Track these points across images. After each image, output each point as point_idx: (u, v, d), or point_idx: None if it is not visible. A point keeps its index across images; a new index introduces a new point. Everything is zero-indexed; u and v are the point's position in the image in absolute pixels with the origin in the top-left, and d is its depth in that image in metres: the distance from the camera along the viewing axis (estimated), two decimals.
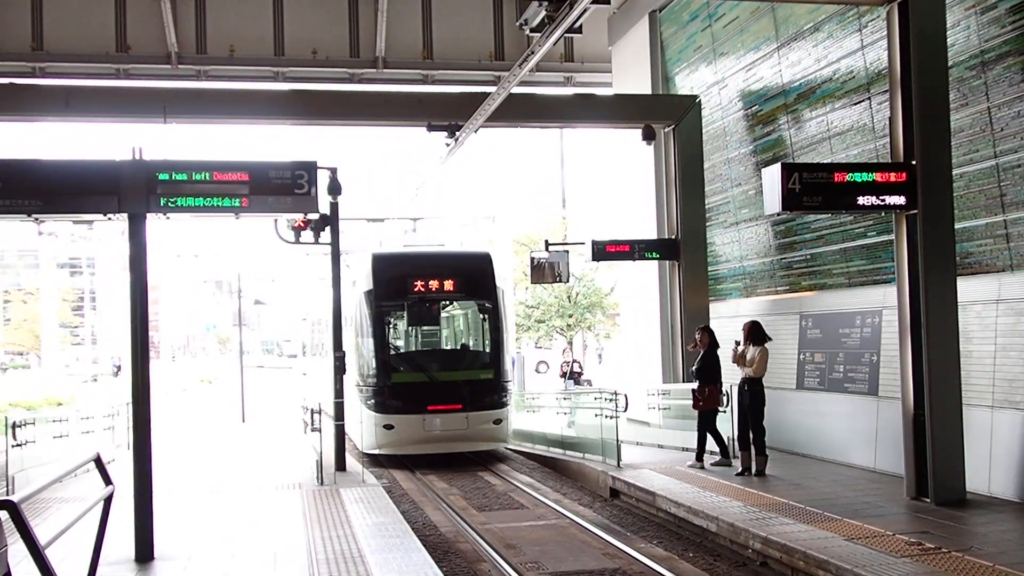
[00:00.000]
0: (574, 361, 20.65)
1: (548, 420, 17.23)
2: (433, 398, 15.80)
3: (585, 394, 16.36)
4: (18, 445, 12.18)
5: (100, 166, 8.37)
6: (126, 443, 16.66)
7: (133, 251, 8.58)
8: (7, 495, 11.49)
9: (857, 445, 12.01)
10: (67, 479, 8.61)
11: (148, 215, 8.36)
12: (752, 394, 11.55)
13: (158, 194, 8.27)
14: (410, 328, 17.17)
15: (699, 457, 12.35)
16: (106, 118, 15.40)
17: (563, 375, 21.64)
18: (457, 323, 18.25)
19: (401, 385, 15.92)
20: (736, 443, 11.88)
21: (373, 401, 15.94)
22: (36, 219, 8.71)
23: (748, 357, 11.54)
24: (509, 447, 17.40)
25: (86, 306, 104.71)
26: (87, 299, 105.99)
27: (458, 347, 17.94)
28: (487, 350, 16.63)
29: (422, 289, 16.25)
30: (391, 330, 16.77)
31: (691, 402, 12.67)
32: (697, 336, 12.67)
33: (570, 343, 42.93)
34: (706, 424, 12.37)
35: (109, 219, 8.63)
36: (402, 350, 17.11)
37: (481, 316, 16.90)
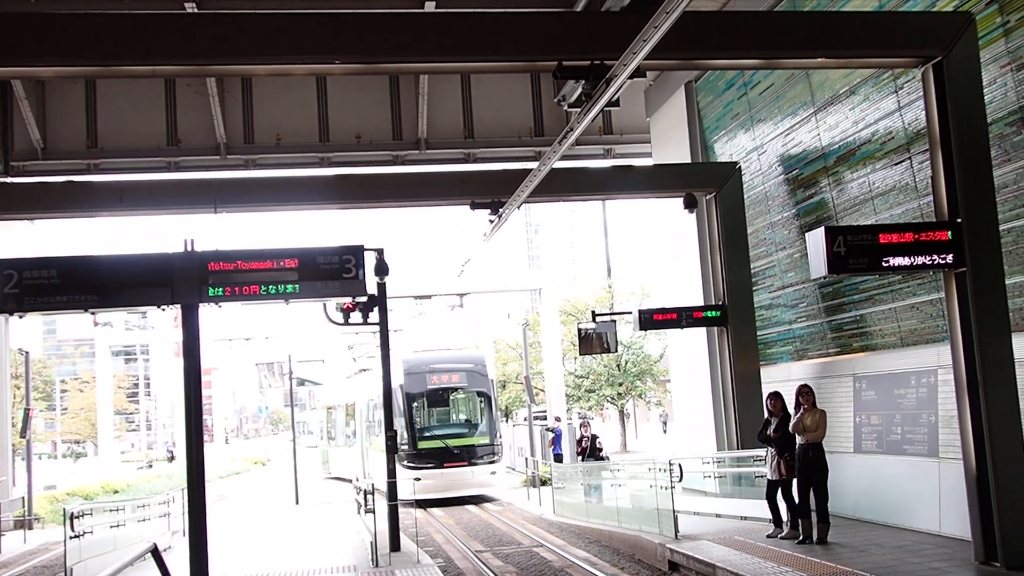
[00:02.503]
0: (594, 436, 19.20)
1: (599, 492, 17.04)
2: (447, 458, 22.73)
3: (636, 465, 16.15)
4: (76, 536, 12.29)
5: (153, 259, 8.62)
6: (182, 529, 16.78)
7: (186, 340, 8.77)
8: None
9: (920, 509, 11.69)
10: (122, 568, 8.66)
11: (200, 304, 8.55)
12: (815, 460, 11.27)
13: (209, 284, 8.47)
14: (429, 409, 23.73)
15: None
16: (159, 211, 15.83)
17: (580, 452, 18.99)
18: (462, 405, 24.32)
19: (425, 449, 22.75)
20: (795, 511, 11.59)
21: (405, 461, 21.95)
22: (92, 312, 8.95)
23: (809, 423, 11.28)
24: (562, 519, 17.41)
25: (140, 392, 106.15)
26: (141, 385, 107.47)
27: (463, 421, 23.99)
28: (483, 422, 23.73)
29: (437, 382, 23.71)
30: (416, 411, 23.34)
31: (752, 470, 12.32)
32: (769, 404, 12.13)
33: (621, 411, 42.57)
34: (786, 491, 11.90)
35: (163, 310, 8.85)
36: (424, 425, 23.39)
37: (479, 399, 24.03)
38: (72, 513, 12.41)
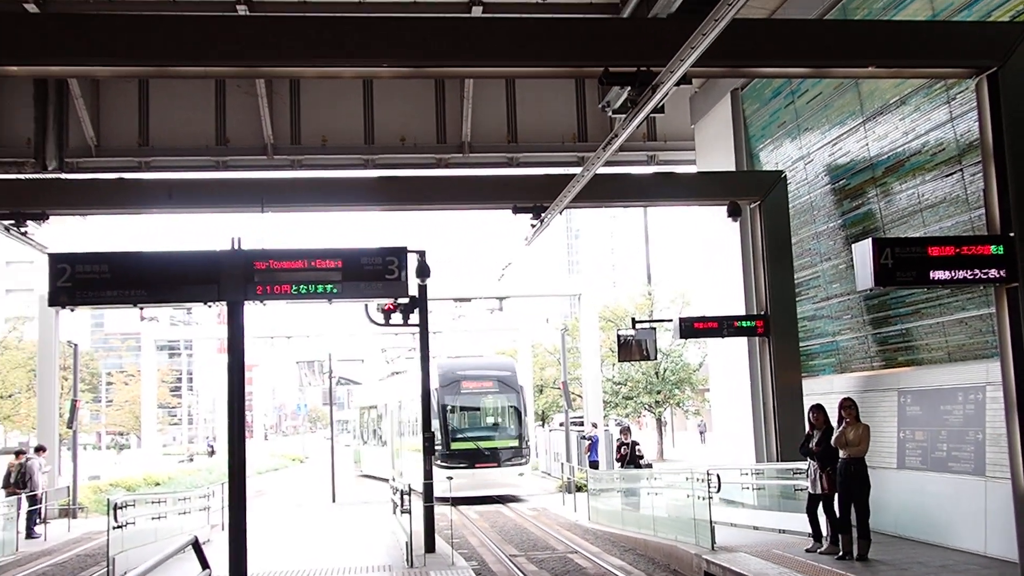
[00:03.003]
0: (634, 443, 18.87)
1: (635, 500, 16.95)
2: (478, 458, 24.30)
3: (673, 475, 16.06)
4: (119, 527, 12.49)
5: (200, 256, 8.74)
6: (221, 523, 16.98)
7: (231, 336, 8.88)
8: None
9: (964, 528, 11.48)
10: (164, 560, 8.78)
11: (245, 302, 8.66)
12: (857, 475, 11.11)
13: (255, 282, 8.57)
14: (462, 413, 25.35)
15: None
16: (207, 209, 16.05)
17: (620, 459, 18.58)
18: (493, 409, 25.88)
19: (458, 450, 24.31)
20: (836, 526, 11.44)
21: (439, 461, 22.41)
22: (141, 307, 9.10)
23: (851, 437, 11.12)
24: (597, 526, 17.39)
25: (183, 387, 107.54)
26: (184, 380, 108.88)
27: (494, 425, 25.54)
28: (512, 426, 25.27)
29: (470, 387, 25.27)
30: (450, 414, 24.83)
31: (792, 483, 12.16)
32: (812, 416, 11.95)
33: (658, 419, 42.33)
34: (827, 506, 11.76)
35: (209, 307, 8.97)
36: (458, 427, 25.00)
37: (508, 404, 25.51)
38: (116, 504, 12.62)
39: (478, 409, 25.77)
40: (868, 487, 11.14)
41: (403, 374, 35.32)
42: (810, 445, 11.72)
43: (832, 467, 11.41)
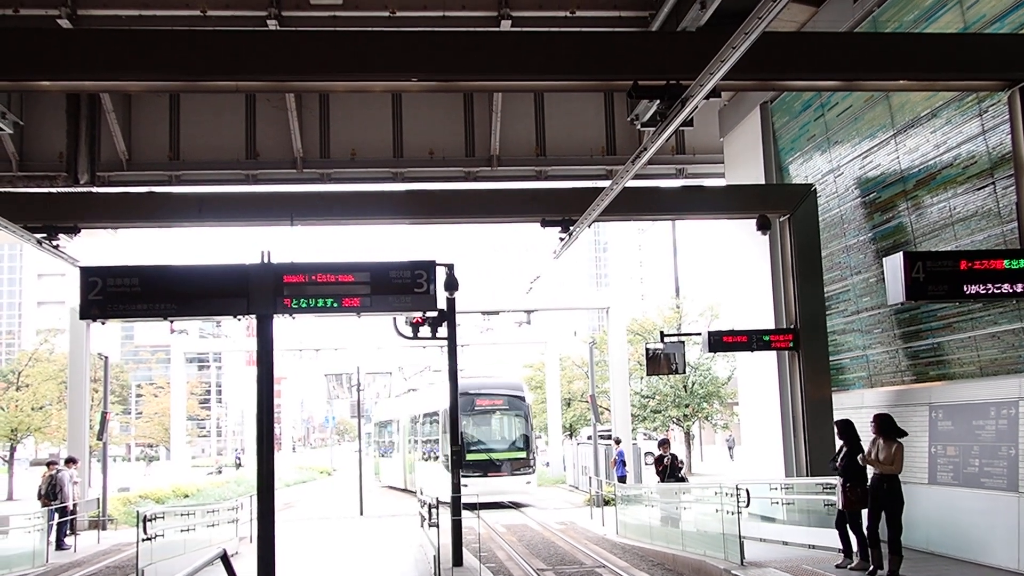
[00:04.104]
0: (674, 456, 18.37)
1: (664, 515, 16.85)
2: (490, 468, 26.92)
3: (701, 488, 15.95)
4: (148, 539, 12.57)
5: (230, 270, 8.80)
6: (249, 536, 17.06)
7: (260, 349, 8.93)
8: None
9: (997, 545, 11.30)
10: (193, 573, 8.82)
11: (274, 315, 8.70)
12: (890, 491, 10.95)
13: (284, 296, 8.62)
14: (476, 427, 28.01)
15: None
16: (236, 222, 16.17)
17: (660, 472, 18.21)
18: (502, 423, 28.60)
19: (473, 461, 26.36)
20: (866, 541, 11.30)
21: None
22: (171, 320, 9.17)
23: (883, 456, 10.98)
24: (625, 540, 17.30)
25: (212, 399, 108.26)
26: (213, 392, 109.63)
27: (502, 438, 28.21)
28: (520, 439, 28.04)
29: (483, 404, 28.18)
30: (466, 429, 26.80)
31: (823, 498, 12.07)
32: (839, 430, 11.92)
33: (687, 433, 42.07)
34: (853, 522, 11.64)
35: (239, 320, 9.03)
36: (472, 440, 27.38)
37: (517, 419, 28.36)
38: (145, 516, 12.70)
39: (490, 424, 28.49)
40: (901, 504, 10.99)
41: (418, 391, 38.10)
42: (836, 460, 11.63)
43: (852, 483, 11.29)
